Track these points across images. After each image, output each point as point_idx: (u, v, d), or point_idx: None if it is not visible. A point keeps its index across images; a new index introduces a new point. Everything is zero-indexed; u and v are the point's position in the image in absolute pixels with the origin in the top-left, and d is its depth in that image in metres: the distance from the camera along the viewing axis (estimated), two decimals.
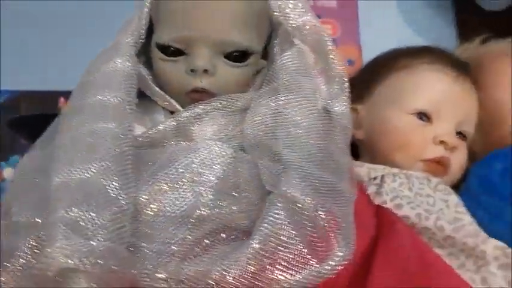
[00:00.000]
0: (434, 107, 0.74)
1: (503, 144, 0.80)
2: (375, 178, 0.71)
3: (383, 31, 1.00)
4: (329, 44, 0.60)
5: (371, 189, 0.69)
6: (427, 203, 0.67)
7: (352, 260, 0.51)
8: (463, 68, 0.77)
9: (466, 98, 0.76)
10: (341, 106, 0.58)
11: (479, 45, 0.90)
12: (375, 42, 0.96)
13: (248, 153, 0.55)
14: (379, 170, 0.72)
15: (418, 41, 1.01)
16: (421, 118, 0.74)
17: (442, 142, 0.72)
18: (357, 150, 0.82)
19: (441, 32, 1.04)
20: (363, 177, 0.72)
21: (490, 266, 0.60)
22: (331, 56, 0.59)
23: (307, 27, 0.59)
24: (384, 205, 0.66)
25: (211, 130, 0.57)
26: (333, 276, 0.47)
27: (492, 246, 0.61)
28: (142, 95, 0.63)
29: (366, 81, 0.80)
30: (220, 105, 0.59)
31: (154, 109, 0.63)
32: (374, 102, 0.78)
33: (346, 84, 0.60)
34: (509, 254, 0.61)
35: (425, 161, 0.72)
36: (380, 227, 0.55)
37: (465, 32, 1.01)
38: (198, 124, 0.58)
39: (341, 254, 0.45)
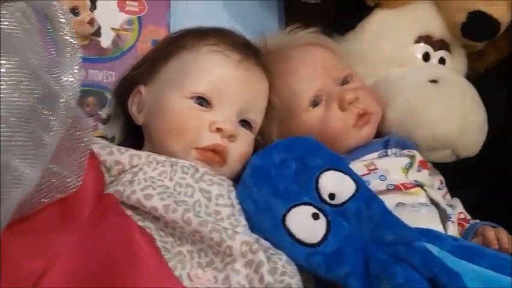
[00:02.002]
0: (214, 91, 0.66)
1: (299, 133, 0.74)
2: (136, 166, 0.63)
3: (199, 15, 0.92)
4: (58, 9, 0.50)
5: (126, 178, 0.60)
6: (185, 194, 0.59)
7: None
8: (250, 53, 0.70)
9: (251, 84, 0.69)
10: (68, 78, 0.49)
11: (287, 34, 0.86)
12: (188, 25, 0.87)
13: None
14: (143, 157, 0.63)
15: (236, 27, 0.95)
16: (200, 103, 0.66)
17: (218, 129, 0.65)
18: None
19: (264, 20, 0.98)
20: (124, 164, 0.62)
21: (236, 263, 0.53)
22: (61, 24, 0.50)
23: None
24: (133, 195, 0.57)
25: None
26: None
27: (240, 241, 0.54)
28: None
29: (152, 61, 0.71)
30: None
31: None
32: (157, 84, 0.69)
33: (78, 55, 0.51)
34: (256, 250, 0.54)
35: (200, 149, 0.64)
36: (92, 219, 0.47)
37: (291, 21, 0.96)
38: None
39: None
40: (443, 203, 0.73)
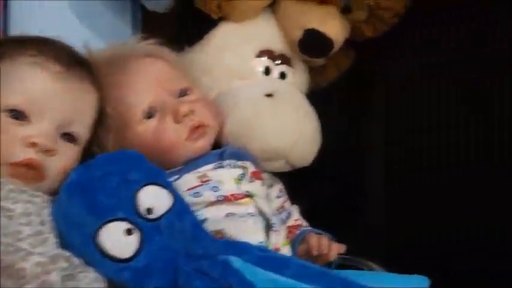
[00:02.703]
0: (30, 104, 0.63)
1: (133, 145, 0.73)
2: None
3: (44, 17, 0.88)
4: None
5: None
6: None
7: None
8: (74, 64, 0.68)
9: (72, 96, 0.66)
10: None
11: (128, 44, 0.84)
12: (30, 29, 0.83)
13: None
14: None
15: (85, 32, 0.92)
16: (15, 116, 0.63)
17: (33, 144, 0.62)
18: None
19: (115, 26, 0.96)
20: None
21: (29, 285, 0.52)
22: None
23: None
24: None
25: None
26: None
27: (33, 263, 0.53)
28: None
29: None
30: None
31: None
32: None
33: None
34: (51, 270, 0.53)
35: (12, 164, 0.62)
36: None
37: (147, 30, 0.95)
38: None
39: None
40: (269, 213, 0.75)
